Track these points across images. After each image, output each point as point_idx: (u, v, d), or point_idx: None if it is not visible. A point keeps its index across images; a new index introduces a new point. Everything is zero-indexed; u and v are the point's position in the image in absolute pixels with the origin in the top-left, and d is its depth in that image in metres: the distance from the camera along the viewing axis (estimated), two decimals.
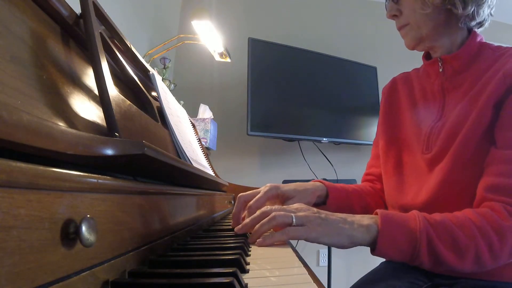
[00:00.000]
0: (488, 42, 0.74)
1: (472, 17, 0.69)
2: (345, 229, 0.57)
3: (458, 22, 0.71)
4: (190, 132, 0.95)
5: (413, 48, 0.78)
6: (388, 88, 0.91)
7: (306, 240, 0.56)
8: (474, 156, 0.65)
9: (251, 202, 0.69)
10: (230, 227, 0.72)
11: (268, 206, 0.61)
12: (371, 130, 2.27)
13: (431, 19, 0.71)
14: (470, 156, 0.65)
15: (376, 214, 0.60)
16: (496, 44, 0.74)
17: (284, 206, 0.60)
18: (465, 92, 0.70)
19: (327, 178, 2.11)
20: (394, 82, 0.91)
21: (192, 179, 0.67)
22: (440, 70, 0.75)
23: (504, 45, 0.72)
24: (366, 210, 0.85)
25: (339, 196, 0.82)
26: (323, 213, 0.58)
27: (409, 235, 0.56)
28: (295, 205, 0.61)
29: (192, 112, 1.65)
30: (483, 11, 0.69)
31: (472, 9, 0.67)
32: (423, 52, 0.82)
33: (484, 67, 0.69)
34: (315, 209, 0.59)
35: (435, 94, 0.77)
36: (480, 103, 0.65)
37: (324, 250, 2.23)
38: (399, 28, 0.78)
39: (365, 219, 0.59)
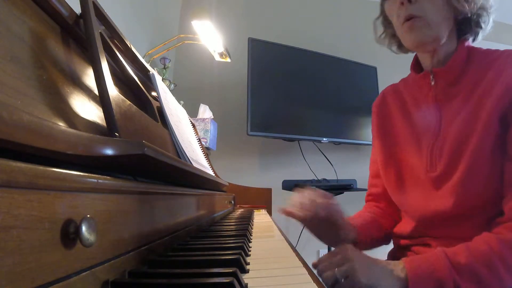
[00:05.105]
0: (474, 46, 0.71)
1: (481, 29, 0.70)
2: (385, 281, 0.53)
3: (462, 34, 0.70)
4: (190, 132, 0.95)
5: (417, 46, 0.70)
6: (378, 104, 0.88)
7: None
8: (487, 170, 0.62)
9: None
10: (231, 226, 0.71)
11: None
12: (371, 130, 2.27)
13: (444, 18, 0.67)
14: (482, 172, 0.63)
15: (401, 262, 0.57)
16: (495, 46, 0.73)
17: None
18: (461, 102, 0.68)
19: (327, 178, 2.11)
20: (383, 96, 0.88)
21: (192, 179, 0.67)
22: (432, 83, 0.72)
23: (503, 46, 0.71)
24: (381, 231, 0.82)
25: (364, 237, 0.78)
26: (365, 262, 0.54)
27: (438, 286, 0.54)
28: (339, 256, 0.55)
29: (192, 112, 1.64)
30: (489, 20, 0.69)
31: (486, 21, 0.68)
32: (411, 61, 0.78)
33: (478, 74, 0.67)
34: (355, 257, 0.54)
35: (430, 107, 0.73)
36: (484, 117, 0.62)
37: (324, 250, 2.23)
38: (408, 17, 0.66)
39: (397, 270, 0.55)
